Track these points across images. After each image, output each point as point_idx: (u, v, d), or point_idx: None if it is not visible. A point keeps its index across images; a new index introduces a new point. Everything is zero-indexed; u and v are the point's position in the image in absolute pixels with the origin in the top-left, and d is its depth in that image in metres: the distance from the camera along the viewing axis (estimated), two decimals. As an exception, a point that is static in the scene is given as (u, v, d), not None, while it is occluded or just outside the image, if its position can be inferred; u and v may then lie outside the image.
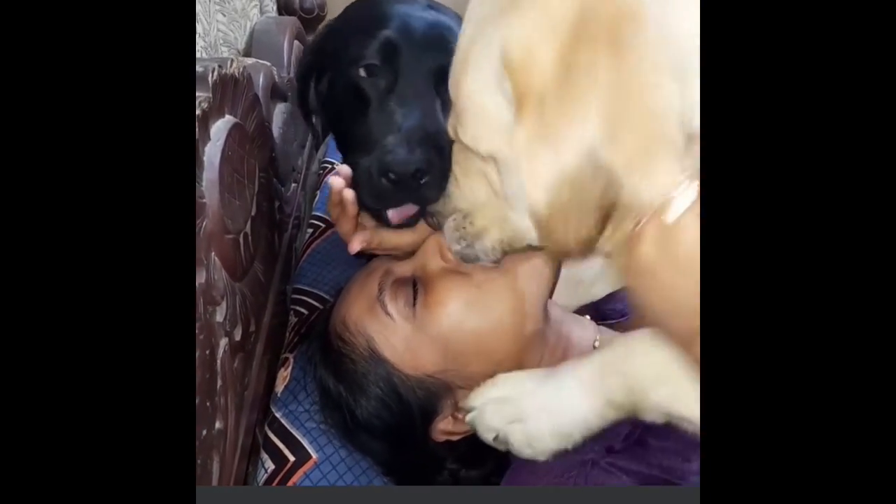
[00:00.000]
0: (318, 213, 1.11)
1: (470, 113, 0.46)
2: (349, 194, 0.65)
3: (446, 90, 0.52)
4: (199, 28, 0.88)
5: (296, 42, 1.12)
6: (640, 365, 0.51)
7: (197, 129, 0.55)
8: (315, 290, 0.94)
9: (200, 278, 0.56)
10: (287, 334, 0.89)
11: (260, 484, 0.70)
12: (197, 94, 0.56)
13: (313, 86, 0.78)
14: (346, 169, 0.67)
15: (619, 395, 0.52)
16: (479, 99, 0.44)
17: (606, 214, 0.40)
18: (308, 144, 1.21)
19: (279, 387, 0.80)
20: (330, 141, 1.33)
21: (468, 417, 0.60)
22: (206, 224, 0.57)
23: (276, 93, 0.95)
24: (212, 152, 0.59)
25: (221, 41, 0.97)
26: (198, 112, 0.55)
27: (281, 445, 0.73)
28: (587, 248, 0.42)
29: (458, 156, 0.52)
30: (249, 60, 0.87)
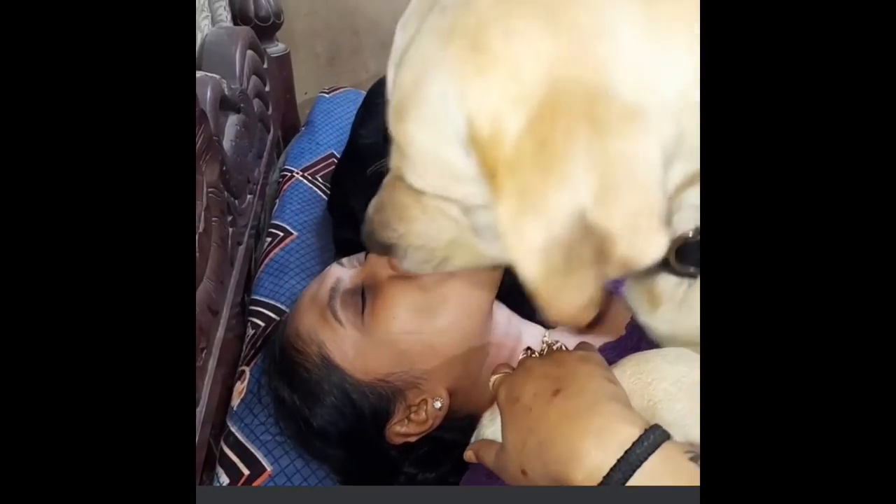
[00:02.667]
0: (276, 222, 1.10)
1: (424, 164, 0.44)
2: None
3: None
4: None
5: (249, 51, 1.12)
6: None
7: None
8: (272, 302, 0.94)
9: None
10: (244, 347, 0.89)
11: (214, 499, 0.71)
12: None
13: None
14: None
15: None
16: (435, 150, 0.43)
17: (604, 275, 0.40)
18: (266, 153, 1.21)
19: (235, 401, 0.80)
20: (290, 149, 1.34)
21: (473, 437, 0.59)
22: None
23: (226, 104, 0.95)
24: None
25: (170, 54, 0.96)
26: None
27: (236, 459, 0.73)
28: (591, 311, 0.41)
29: (407, 197, 0.49)
30: (196, 74, 0.87)
